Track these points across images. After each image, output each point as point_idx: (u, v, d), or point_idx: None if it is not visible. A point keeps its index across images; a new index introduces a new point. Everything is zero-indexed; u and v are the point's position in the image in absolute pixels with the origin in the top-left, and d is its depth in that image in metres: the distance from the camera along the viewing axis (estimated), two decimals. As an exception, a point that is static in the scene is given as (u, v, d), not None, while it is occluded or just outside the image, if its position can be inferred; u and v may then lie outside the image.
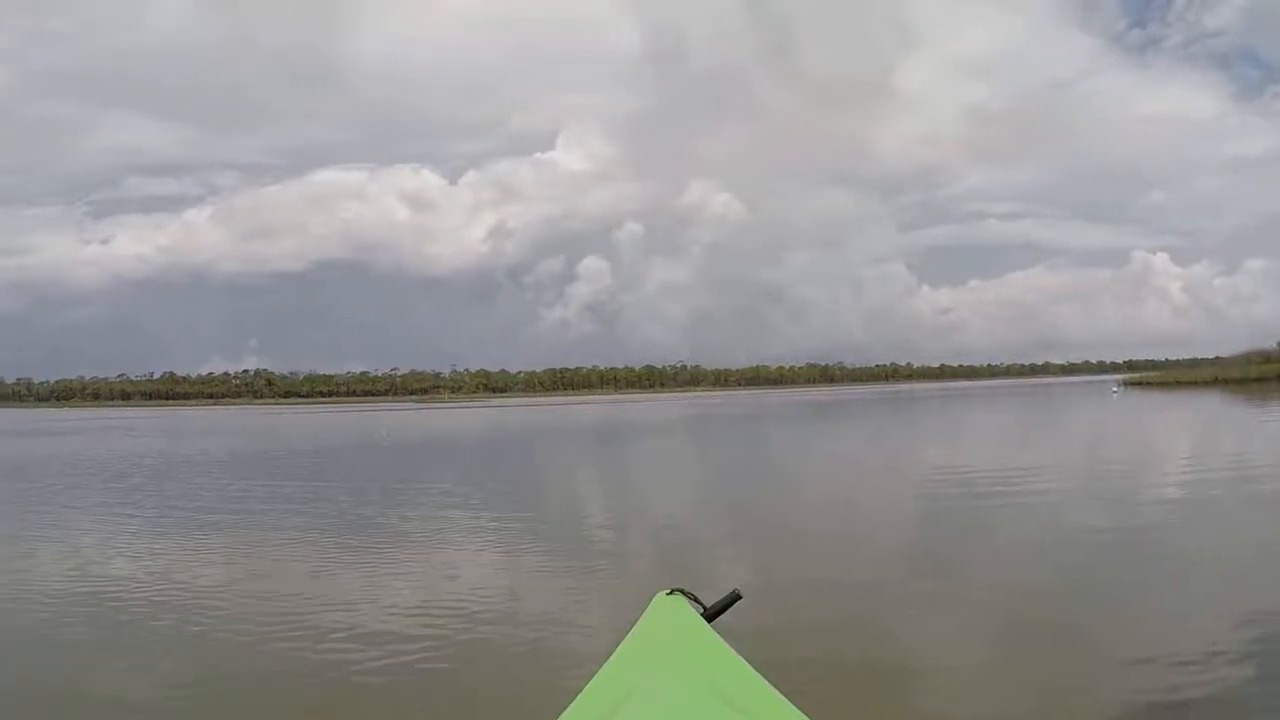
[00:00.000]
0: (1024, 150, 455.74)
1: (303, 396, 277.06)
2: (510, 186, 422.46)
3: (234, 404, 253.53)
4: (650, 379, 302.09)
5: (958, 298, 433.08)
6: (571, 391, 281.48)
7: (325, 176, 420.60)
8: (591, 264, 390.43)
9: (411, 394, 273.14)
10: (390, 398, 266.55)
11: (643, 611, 3.25)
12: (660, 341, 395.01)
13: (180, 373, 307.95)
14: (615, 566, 13.49)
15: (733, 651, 2.86)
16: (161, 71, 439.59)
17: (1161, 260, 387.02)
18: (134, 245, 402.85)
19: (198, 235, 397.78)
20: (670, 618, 3.16)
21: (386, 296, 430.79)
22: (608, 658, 2.93)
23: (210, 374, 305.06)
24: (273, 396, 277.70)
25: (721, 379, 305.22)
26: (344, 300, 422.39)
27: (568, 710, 2.64)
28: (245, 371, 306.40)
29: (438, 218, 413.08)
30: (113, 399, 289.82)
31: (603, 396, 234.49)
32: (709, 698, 2.58)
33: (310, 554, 14.94)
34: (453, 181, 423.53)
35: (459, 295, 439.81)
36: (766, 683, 2.66)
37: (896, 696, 7.63)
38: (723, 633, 3.04)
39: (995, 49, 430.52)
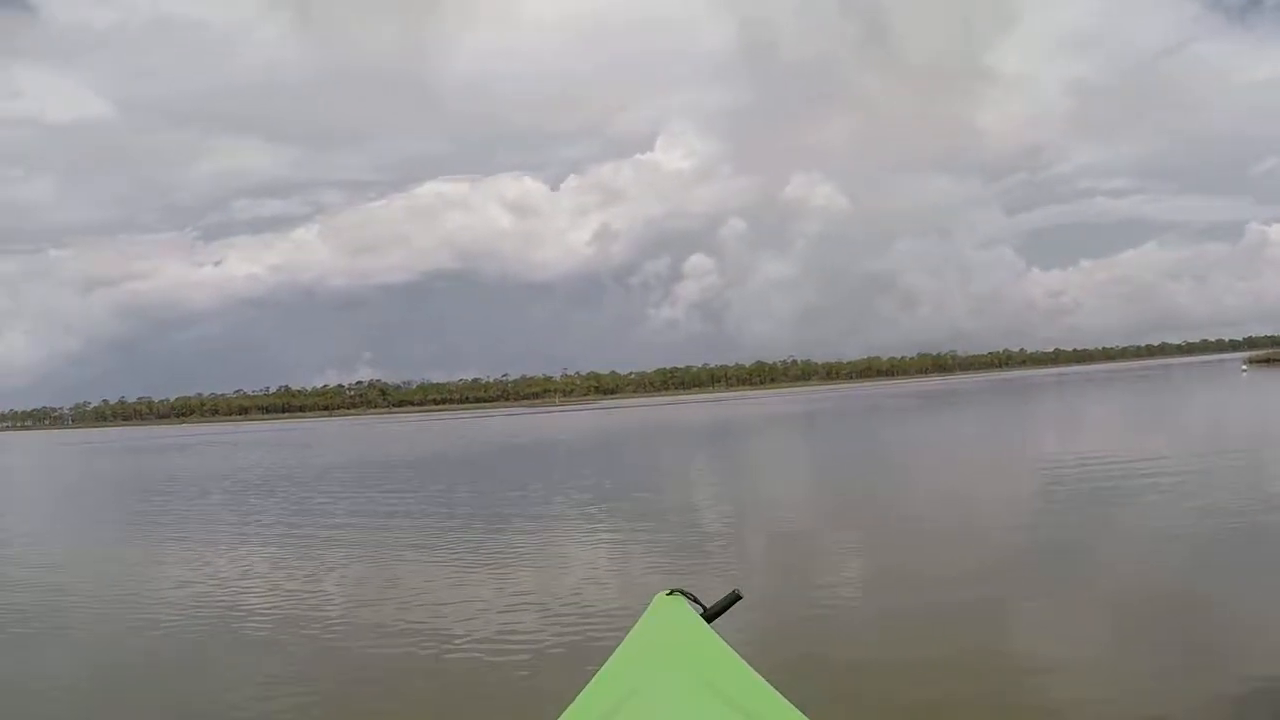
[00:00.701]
0: (1130, 123, 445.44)
1: (416, 405, 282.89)
2: (613, 189, 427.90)
3: (349, 414, 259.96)
4: (760, 375, 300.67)
5: (1068, 279, 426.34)
6: (681, 391, 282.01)
7: (428, 189, 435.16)
8: (697, 262, 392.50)
9: (523, 399, 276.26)
10: (502, 403, 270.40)
11: (642, 612, 3.30)
12: (769, 337, 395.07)
13: (295, 386, 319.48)
14: (733, 567, 13.42)
15: (733, 651, 2.91)
16: (261, 97, 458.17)
17: (1277, 231, 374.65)
18: (245, 265, 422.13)
19: (306, 252, 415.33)
20: (670, 618, 3.21)
21: (495, 304, 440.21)
22: (607, 658, 2.99)
23: (325, 386, 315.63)
24: (386, 406, 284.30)
25: (832, 372, 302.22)
26: (453, 309, 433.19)
27: (567, 710, 2.68)
28: (359, 382, 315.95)
29: (542, 223, 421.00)
30: (230, 414, 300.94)
31: (713, 395, 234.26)
32: (709, 698, 2.63)
33: (442, 558, 15.60)
34: (555, 187, 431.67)
35: (567, 299, 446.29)
36: (766, 683, 2.70)
37: (1027, 693, 7.59)
38: (723, 633, 3.11)
39: (1094, 20, 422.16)
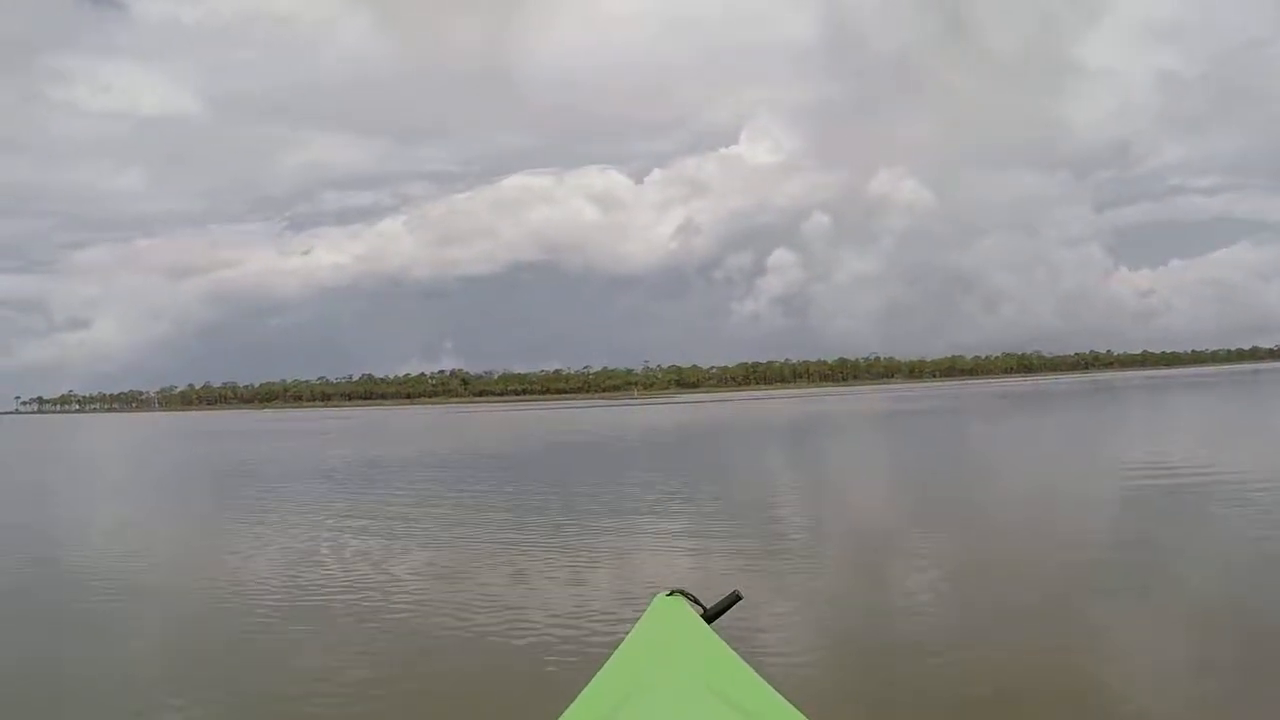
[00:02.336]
0: (1222, 117, 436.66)
1: (496, 395, 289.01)
2: (697, 182, 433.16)
3: (429, 403, 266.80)
4: (843, 372, 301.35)
5: (1158, 279, 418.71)
6: (763, 386, 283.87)
7: (514, 182, 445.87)
8: (781, 257, 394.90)
9: (604, 391, 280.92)
10: (582, 395, 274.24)
11: (642, 613, 3.37)
12: (852, 333, 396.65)
13: (378, 374, 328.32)
14: (810, 571, 13.28)
15: (733, 652, 2.97)
16: (347, 92, 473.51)
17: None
18: (332, 255, 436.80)
19: (392, 243, 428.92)
20: (670, 619, 3.25)
21: (578, 296, 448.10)
22: (607, 659, 3.03)
23: (407, 375, 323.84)
24: (467, 395, 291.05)
25: (915, 371, 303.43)
26: (536, 301, 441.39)
27: (567, 711, 2.71)
28: (441, 371, 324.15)
29: (626, 217, 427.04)
30: (313, 400, 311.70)
31: (795, 391, 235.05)
32: (709, 698, 2.66)
33: (516, 549, 15.79)
34: (639, 180, 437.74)
35: (649, 292, 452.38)
36: (766, 684, 2.75)
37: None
38: (723, 633, 3.16)
39: (1183, 12, 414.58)
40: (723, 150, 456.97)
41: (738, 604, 3.34)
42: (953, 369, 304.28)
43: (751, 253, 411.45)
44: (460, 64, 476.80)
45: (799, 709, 2.54)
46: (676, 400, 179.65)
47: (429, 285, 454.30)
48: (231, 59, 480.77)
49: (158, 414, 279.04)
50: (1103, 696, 7.66)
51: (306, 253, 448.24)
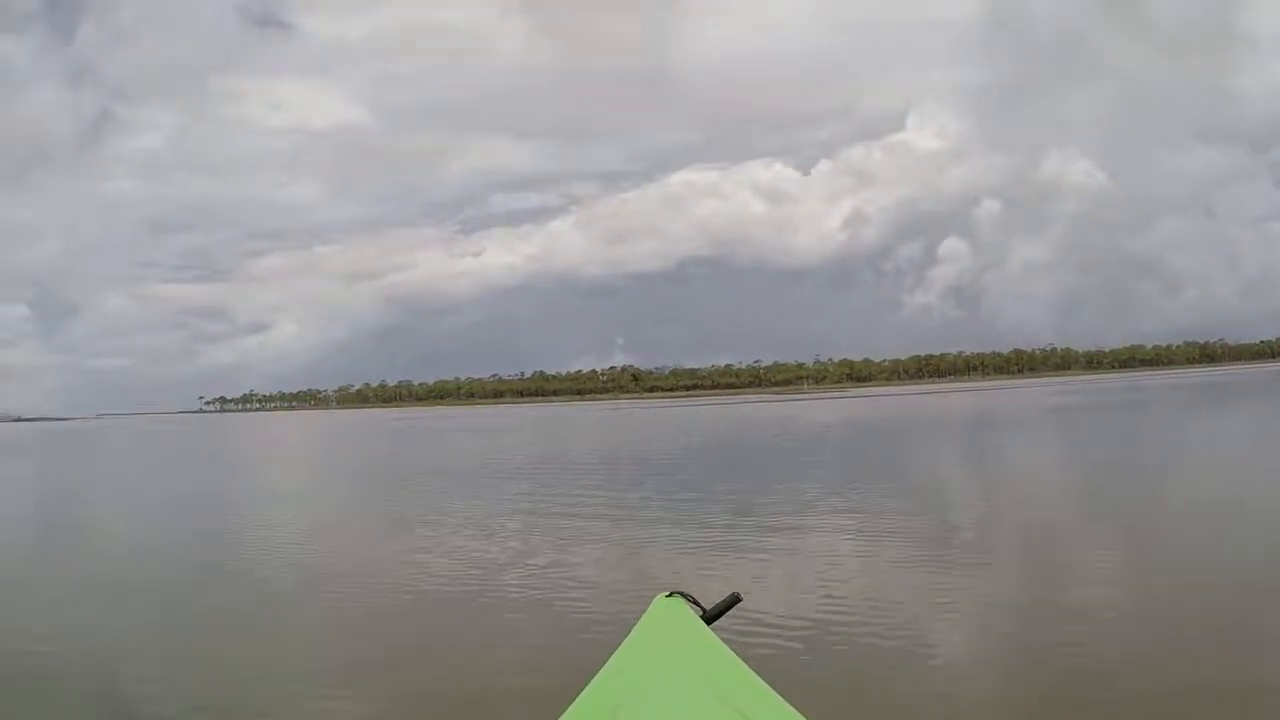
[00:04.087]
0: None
1: (667, 391, 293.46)
2: (864, 172, 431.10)
3: (600, 399, 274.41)
4: (1018, 363, 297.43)
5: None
6: (936, 379, 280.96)
7: (680, 178, 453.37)
8: (951, 245, 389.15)
9: (775, 385, 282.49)
10: (754, 389, 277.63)
11: (642, 614, 3.42)
12: (1026, 323, 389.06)
13: (550, 371, 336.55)
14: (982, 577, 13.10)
15: (732, 653, 3.01)
16: (510, 97, 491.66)
17: None
18: (503, 256, 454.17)
19: (562, 243, 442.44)
20: (670, 620, 3.32)
21: (748, 290, 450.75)
22: (606, 660, 3.08)
23: (579, 371, 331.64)
24: (638, 391, 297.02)
25: (1094, 361, 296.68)
26: (706, 296, 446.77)
27: (567, 712, 2.75)
28: (611, 368, 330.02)
29: (794, 209, 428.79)
30: (485, 397, 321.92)
31: (969, 383, 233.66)
32: (709, 699, 2.73)
33: (681, 544, 16.70)
34: (806, 172, 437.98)
35: (819, 285, 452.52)
36: (766, 685, 2.79)
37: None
38: (723, 635, 3.21)
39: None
40: (889, 138, 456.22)
41: (737, 605, 3.48)
42: (1132, 359, 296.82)
43: (921, 242, 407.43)
44: (619, 63, 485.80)
45: (799, 710, 2.61)
46: (850, 395, 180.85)
47: (599, 283, 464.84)
48: (396, 71, 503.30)
49: (335, 411, 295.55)
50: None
51: (478, 254, 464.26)
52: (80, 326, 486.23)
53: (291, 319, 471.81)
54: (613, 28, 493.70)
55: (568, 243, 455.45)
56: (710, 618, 3.35)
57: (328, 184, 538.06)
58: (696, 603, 3.39)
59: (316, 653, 10.87)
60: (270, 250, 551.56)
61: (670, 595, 3.44)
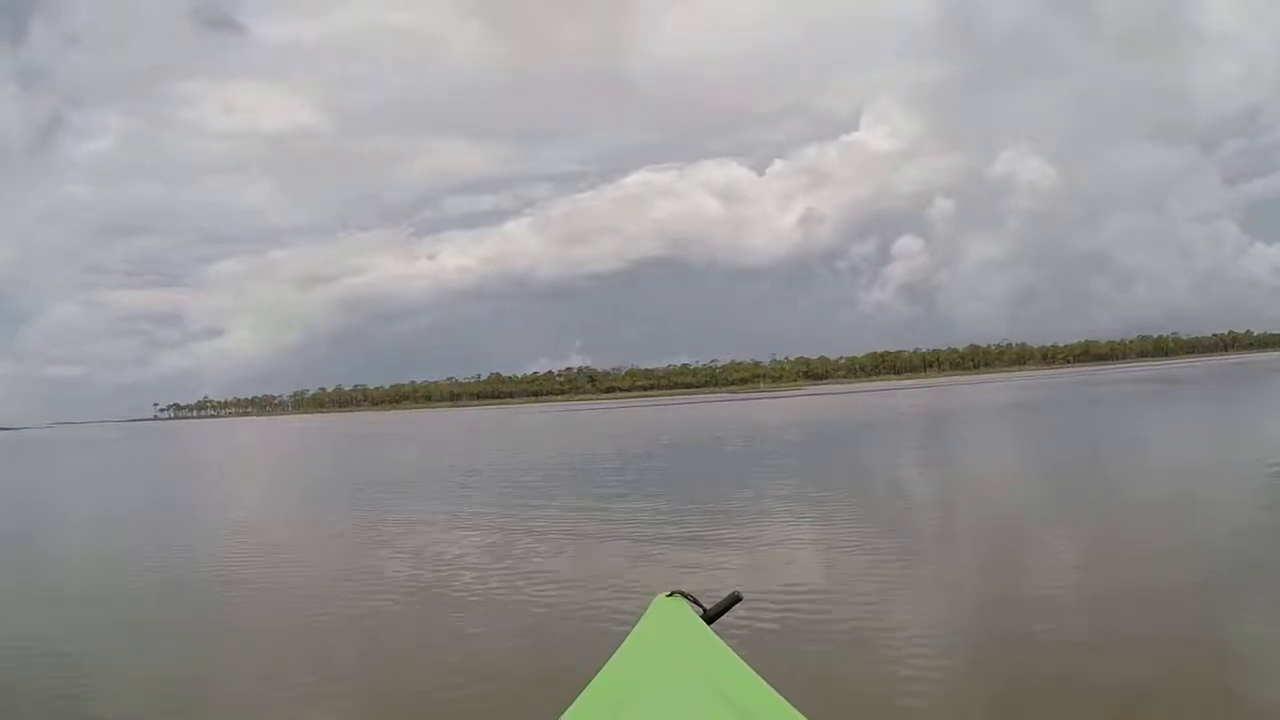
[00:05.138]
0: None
1: (624, 391, 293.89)
2: (818, 171, 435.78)
3: (555, 400, 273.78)
4: (974, 359, 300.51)
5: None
6: (893, 376, 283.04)
7: (636, 179, 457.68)
8: (906, 243, 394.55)
9: (731, 384, 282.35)
10: (710, 389, 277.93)
11: (642, 613, 3.43)
12: (981, 319, 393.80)
13: (506, 374, 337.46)
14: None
15: (733, 653, 3.01)
16: (465, 99, 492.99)
17: None
18: (458, 259, 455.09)
19: (517, 245, 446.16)
20: (670, 619, 3.32)
21: (703, 290, 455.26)
22: (607, 660, 3.07)
23: (534, 373, 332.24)
24: (594, 392, 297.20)
25: (1049, 356, 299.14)
26: (662, 296, 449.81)
27: (567, 712, 2.75)
28: (568, 369, 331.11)
29: (749, 209, 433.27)
30: (442, 400, 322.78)
31: (926, 380, 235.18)
32: (709, 699, 2.71)
33: (647, 549, 16.22)
34: (760, 172, 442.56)
35: (775, 284, 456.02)
36: (767, 684, 2.78)
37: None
38: (723, 634, 3.20)
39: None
40: (843, 137, 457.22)
41: (738, 604, 3.46)
42: (1086, 354, 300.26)
43: (876, 240, 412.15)
44: (573, 65, 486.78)
45: (799, 709, 2.60)
46: (806, 393, 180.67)
47: (555, 285, 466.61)
48: (350, 73, 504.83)
49: (290, 416, 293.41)
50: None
51: (432, 257, 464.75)
52: (31, 334, 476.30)
53: (246, 324, 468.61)
54: (567, 29, 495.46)
55: (523, 245, 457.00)
56: (711, 617, 3.35)
57: (282, 188, 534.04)
58: (697, 602, 3.39)
59: (287, 660, 10.67)
60: (224, 255, 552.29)
61: (671, 595, 3.45)
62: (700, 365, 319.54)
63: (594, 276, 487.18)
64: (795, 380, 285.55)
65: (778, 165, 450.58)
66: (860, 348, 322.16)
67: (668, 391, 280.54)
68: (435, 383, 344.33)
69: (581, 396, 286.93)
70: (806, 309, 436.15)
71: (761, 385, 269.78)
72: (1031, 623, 10.19)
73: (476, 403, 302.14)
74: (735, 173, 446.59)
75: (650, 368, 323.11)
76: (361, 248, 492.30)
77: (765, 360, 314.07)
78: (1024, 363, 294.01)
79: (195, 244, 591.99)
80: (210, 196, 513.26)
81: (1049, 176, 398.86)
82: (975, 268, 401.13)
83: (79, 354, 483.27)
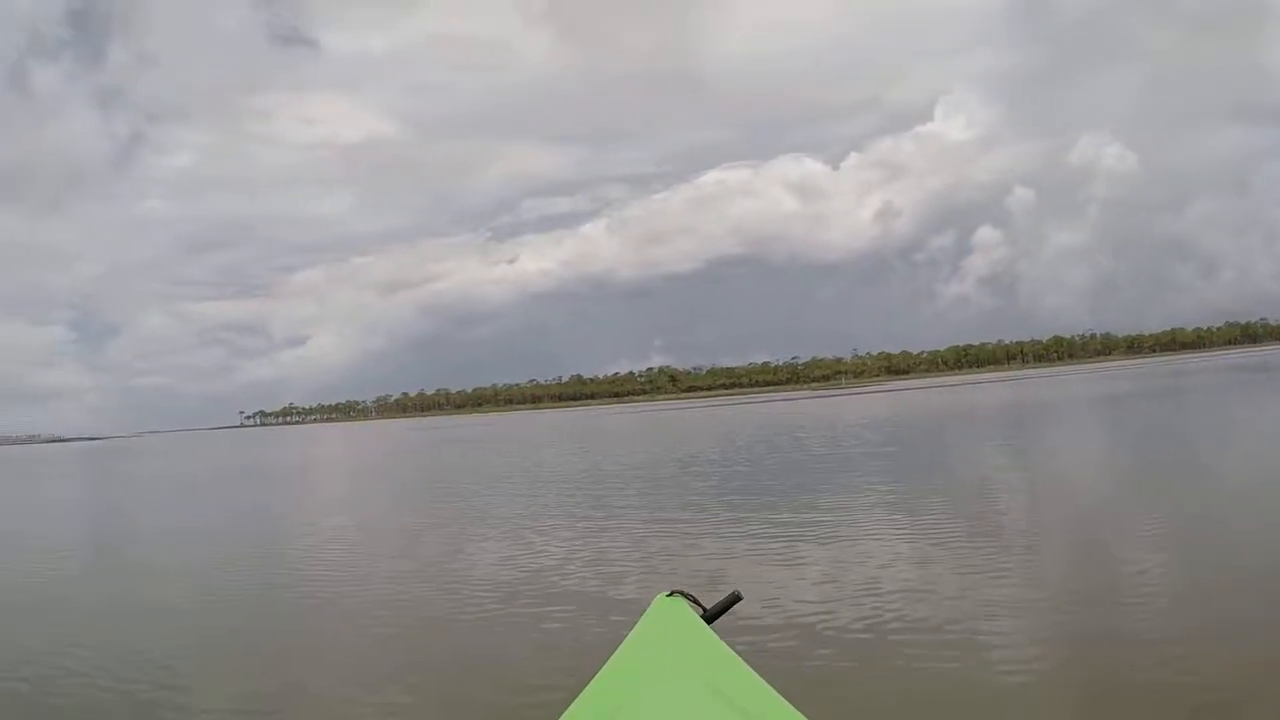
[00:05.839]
0: None
1: (705, 390, 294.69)
2: (894, 164, 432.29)
3: (636, 401, 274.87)
4: (1058, 351, 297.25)
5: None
6: (975, 369, 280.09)
7: (711, 177, 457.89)
8: (985, 234, 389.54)
9: (813, 381, 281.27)
10: (791, 386, 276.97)
11: (642, 613, 3.40)
12: (1064, 310, 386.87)
13: (586, 375, 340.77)
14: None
15: (733, 653, 3.01)
16: (538, 103, 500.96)
17: None
18: (537, 262, 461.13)
19: (595, 246, 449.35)
20: (670, 619, 3.31)
21: (782, 287, 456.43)
22: (607, 660, 3.06)
23: (615, 374, 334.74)
24: (676, 392, 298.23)
25: (1134, 346, 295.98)
26: (741, 294, 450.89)
27: (567, 711, 2.76)
28: (649, 369, 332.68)
29: (825, 204, 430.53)
30: (523, 403, 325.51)
31: (1010, 373, 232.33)
32: (709, 699, 2.73)
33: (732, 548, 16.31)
34: (835, 166, 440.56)
35: (854, 279, 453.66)
36: (767, 684, 2.79)
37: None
38: (723, 634, 3.19)
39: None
40: (918, 129, 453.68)
41: (738, 604, 3.44)
42: (1173, 342, 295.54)
43: (954, 232, 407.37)
44: (643, 66, 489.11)
45: (799, 709, 2.61)
46: (891, 388, 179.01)
47: (634, 285, 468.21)
48: (423, 82, 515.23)
49: (374, 421, 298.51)
50: None
51: (512, 261, 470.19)
52: (120, 346, 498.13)
53: (328, 331, 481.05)
54: (636, 30, 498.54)
55: (601, 246, 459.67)
56: (710, 617, 3.36)
57: (360, 196, 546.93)
58: (697, 602, 3.40)
59: (366, 663, 10.85)
60: (305, 264, 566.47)
61: (670, 594, 3.45)
62: (781, 363, 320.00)
63: (672, 276, 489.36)
64: (877, 376, 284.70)
65: (853, 159, 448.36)
66: (941, 341, 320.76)
67: (749, 390, 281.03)
68: (517, 385, 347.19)
69: (663, 397, 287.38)
70: (886, 303, 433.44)
71: (843, 382, 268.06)
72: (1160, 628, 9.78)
73: (558, 405, 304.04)
74: (810, 168, 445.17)
75: (731, 366, 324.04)
76: (441, 253, 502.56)
77: (846, 356, 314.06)
78: (1108, 353, 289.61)
79: (277, 254, 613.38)
80: (290, 207, 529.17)
81: (1128, 162, 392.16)
82: (1056, 257, 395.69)
83: (166, 365, 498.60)
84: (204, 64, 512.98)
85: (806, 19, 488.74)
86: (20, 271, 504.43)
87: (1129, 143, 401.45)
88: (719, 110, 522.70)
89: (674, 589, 3.44)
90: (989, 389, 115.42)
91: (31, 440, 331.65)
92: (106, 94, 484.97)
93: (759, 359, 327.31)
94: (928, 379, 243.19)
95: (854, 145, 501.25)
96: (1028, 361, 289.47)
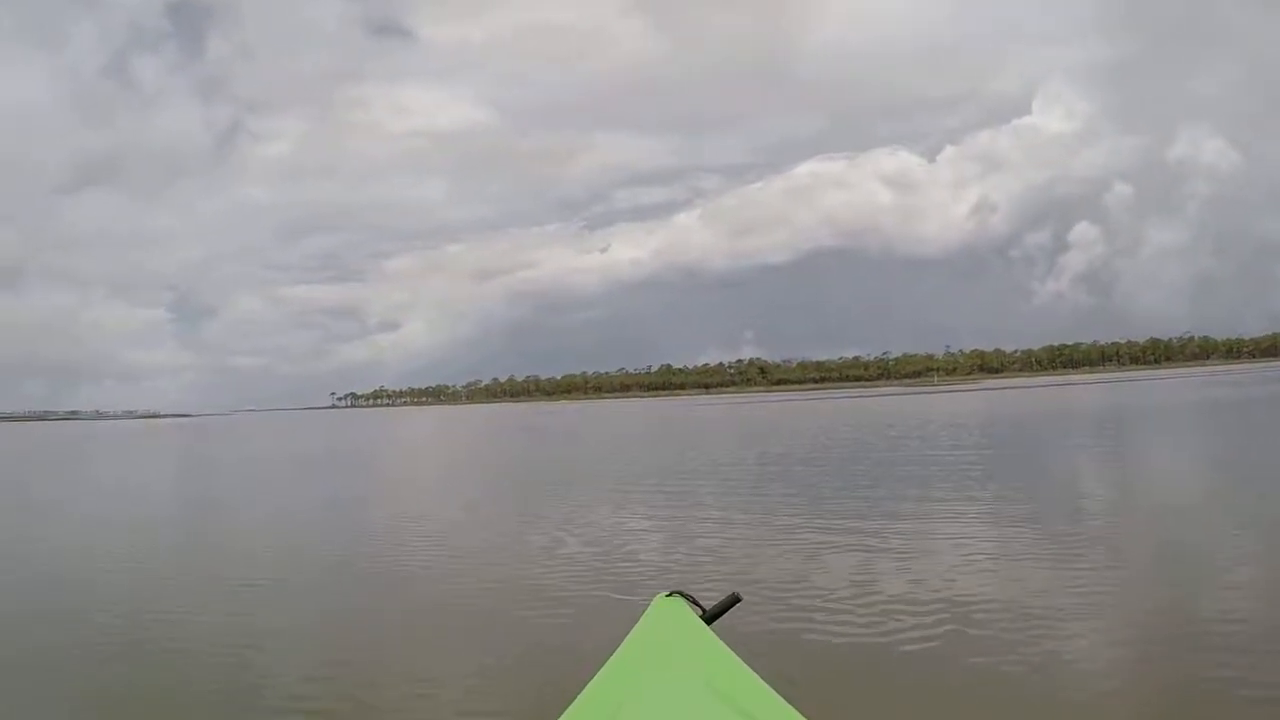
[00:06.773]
0: None
1: (795, 383, 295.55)
2: (990, 157, 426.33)
3: (725, 393, 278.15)
4: (1155, 353, 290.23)
5: None
6: (1069, 370, 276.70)
7: (805, 169, 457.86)
8: (1082, 231, 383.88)
9: (904, 378, 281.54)
10: (882, 382, 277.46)
11: (641, 614, 3.40)
12: (1161, 310, 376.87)
13: (676, 365, 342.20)
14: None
15: (732, 653, 3.01)
16: (632, 93, 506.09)
17: None
18: (629, 251, 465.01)
19: (688, 236, 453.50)
20: (670, 620, 3.31)
21: (876, 280, 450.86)
22: (606, 660, 3.06)
23: (705, 365, 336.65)
24: (765, 384, 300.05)
25: (1233, 350, 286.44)
26: (834, 287, 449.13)
27: (567, 711, 2.77)
28: (739, 361, 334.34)
29: (920, 197, 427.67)
30: (613, 391, 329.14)
31: (1108, 374, 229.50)
32: (709, 699, 2.74)
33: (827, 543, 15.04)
34: (931, 159, 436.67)
35: (948, 274, 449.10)
36: (766, 685, 2.80)
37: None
38: (722, 634, 3.18)
39: None
40: (1015, 121, 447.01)
41: (737, 605, 3.45)
42: (1274, 347, 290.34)
43: (1051, 228, 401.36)
44: (737, 56, 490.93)
45: (798, 709, 2.61)
46: (985, 387, 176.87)
47: (726, 276, 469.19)
48: (516, 72, 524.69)
49: (464, 405, 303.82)
50: None
51: (604, 250, 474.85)
52: (217, 328, 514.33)
53: (421, 317, 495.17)
54: (730, 20, 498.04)
55: (693, 236, 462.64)
56: (710, 617, 3.38)
57: (455, 184, 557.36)
58: (696, 602, 3.42)
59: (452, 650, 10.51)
60: (400, 250, 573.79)
61: (670, 595, 3.47)
62: (872, 358, 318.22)
63: (765, 268, 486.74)
64: (969, 373, 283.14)
65: (949, 152, 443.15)
66: (1035, 340, 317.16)
67: (839, 385, 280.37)
68: (606, 374, 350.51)
69: (752, 389, 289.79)
70: (980, 300, 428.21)
71: (935, 379, 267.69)
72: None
73: (647, 394, 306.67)
74: (906, 160, 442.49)
75: (821, 360, 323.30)
76: (534, 241, 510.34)
77: (938, 353, 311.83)
78: (1207, 356, 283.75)
79: (372, 240, 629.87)
80: (385, 195, 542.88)
81: (1230, 158, 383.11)
82: (1154, 255, 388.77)
83: (261, 346, 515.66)
84: (301, 55, 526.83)
85: (900, 9, 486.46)
86: (123, 255, 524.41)
87: (1231, 138, 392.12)
88: (813, 101, 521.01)
89: (674, 589, 3.51)
90: (1085, 390, 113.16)
91: (129, 415, 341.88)
92: (207, 84, 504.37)
93: (849, 353, 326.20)
94: (1021, 378, 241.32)
95: (950, 138, 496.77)
96: (1123, 363, 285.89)
